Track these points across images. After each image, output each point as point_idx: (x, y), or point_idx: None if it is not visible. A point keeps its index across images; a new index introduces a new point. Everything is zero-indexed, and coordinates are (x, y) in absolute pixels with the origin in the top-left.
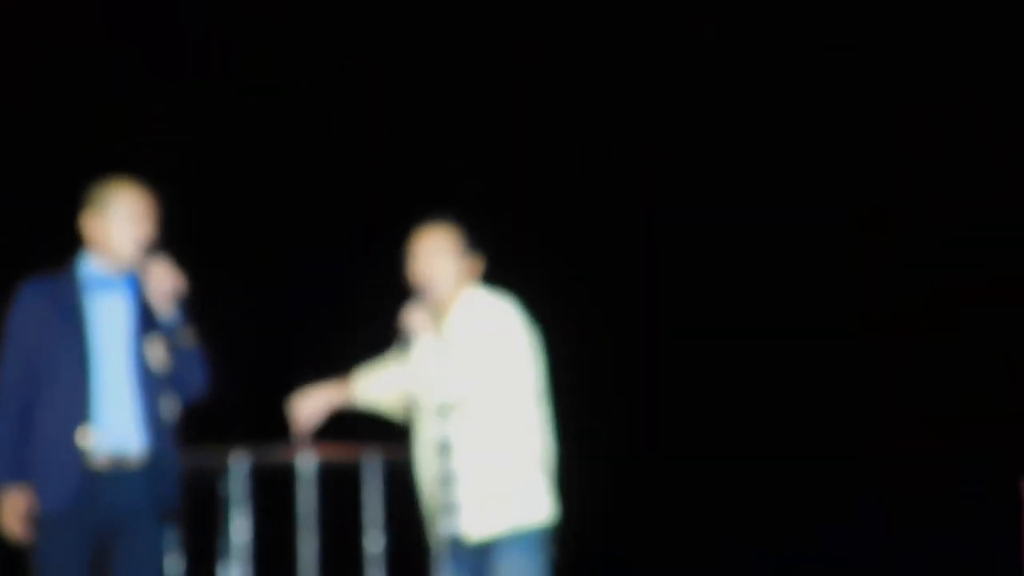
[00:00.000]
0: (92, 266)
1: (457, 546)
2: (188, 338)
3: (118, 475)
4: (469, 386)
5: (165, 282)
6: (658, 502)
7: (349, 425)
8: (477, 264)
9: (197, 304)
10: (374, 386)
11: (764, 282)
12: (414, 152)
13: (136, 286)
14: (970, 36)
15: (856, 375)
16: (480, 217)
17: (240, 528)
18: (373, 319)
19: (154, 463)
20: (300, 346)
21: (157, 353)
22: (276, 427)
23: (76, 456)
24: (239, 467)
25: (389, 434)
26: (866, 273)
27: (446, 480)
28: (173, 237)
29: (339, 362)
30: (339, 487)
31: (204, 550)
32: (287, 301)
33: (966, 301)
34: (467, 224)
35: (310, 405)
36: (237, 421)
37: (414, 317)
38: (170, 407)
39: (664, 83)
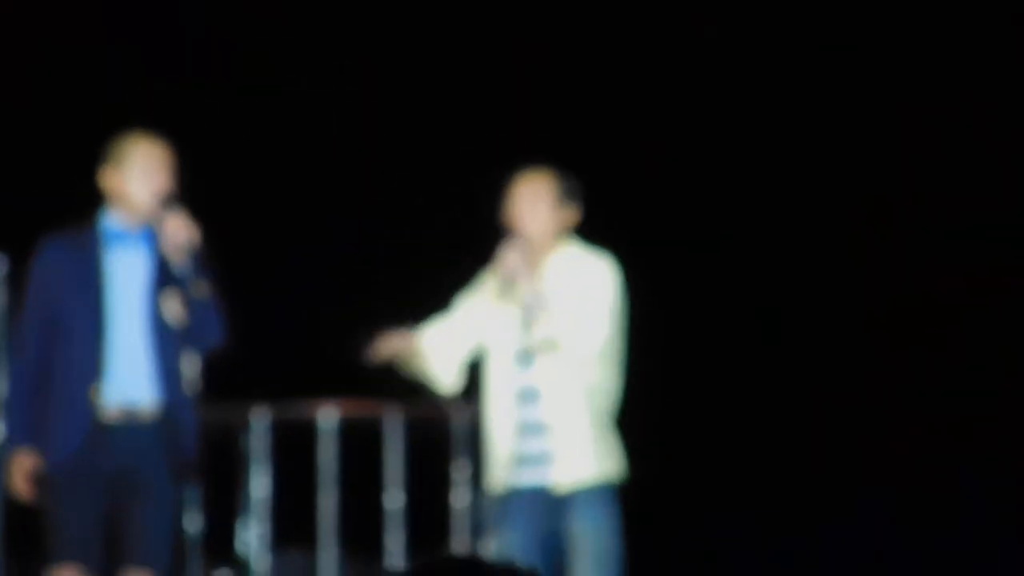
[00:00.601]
0: (112, 221)
1: (533, 498)
2: (201, 290)
3: (129, 428)
4: (564, 333)
5: (179, 234)
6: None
7: (370, 381)
8: (573, 215)
9: (219, 258)
10: (439, 338)
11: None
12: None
13: (154, 240)
14: (968, 34)
15: (857, 376)
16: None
17: (260, 484)
18: (395, 278)
19: (167, 417)
20: (324, 302)
21: (173, 306)
22: (297, 383)
23: (86, 409)
24: (260, 423)
25: (411, 391)
26: (867, 272)
27: (530, 429)
28: (196, 189)
29: (363, 318)
30: (360, 444)
31: (224, 506)
32: (313, 258)
33: (966, 300)
34: (566, 175)
35: (387, 344)
36: (258, 376)
37: (511, 256)
38: (187, 361)
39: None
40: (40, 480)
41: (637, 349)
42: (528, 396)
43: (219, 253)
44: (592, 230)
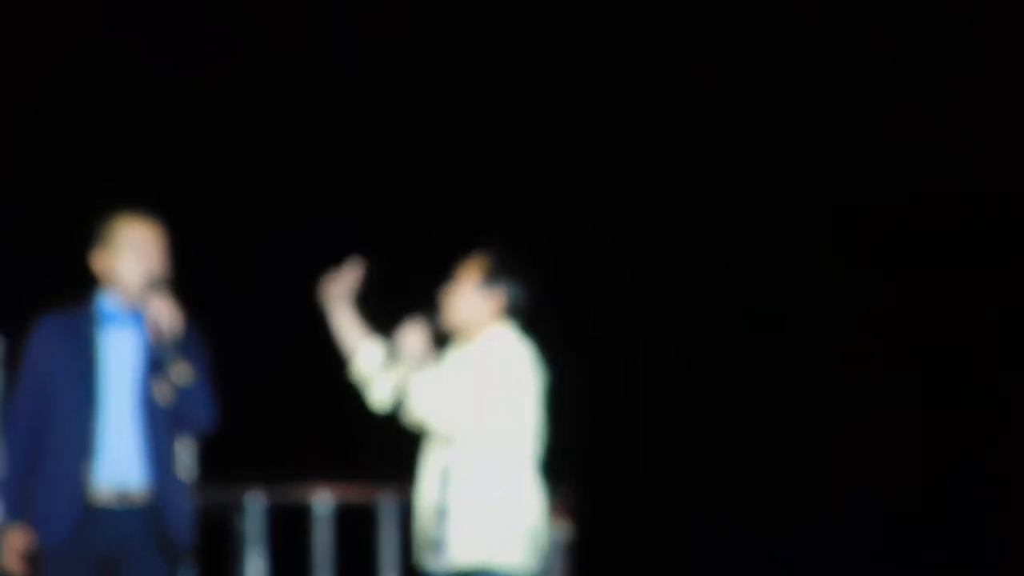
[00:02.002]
0: (107, 301)
1: None
2: (183, 374)
3: (119, 510)
4: (464, 417)
5: (161, 318)
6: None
7: (365, 465)
8: (500, 300)
9: (213, 341)
10: (377, 351)
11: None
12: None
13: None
14: (967, 35)
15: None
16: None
17: (255, 568)
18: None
19: (158, 499)
20: (319, 387)
21: (163, 388)
22: (292, 466)
23: (77, 489)
24: (255, 506)
25: (405, 475)
26: (865, 273)
27: (440, 512)
28: (188, 271)
29: (360, 403)
30: (355, 528)
31: None
32: (304, 340)
33: (966, 300)
34: (501, 260)
35: (338, 285)
36: (253, 460)
37: (411, 335)
38: (179, 444)
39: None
40: (32, 558)
41: (636, 348)
42: (444, 478)
43: (214, 336)
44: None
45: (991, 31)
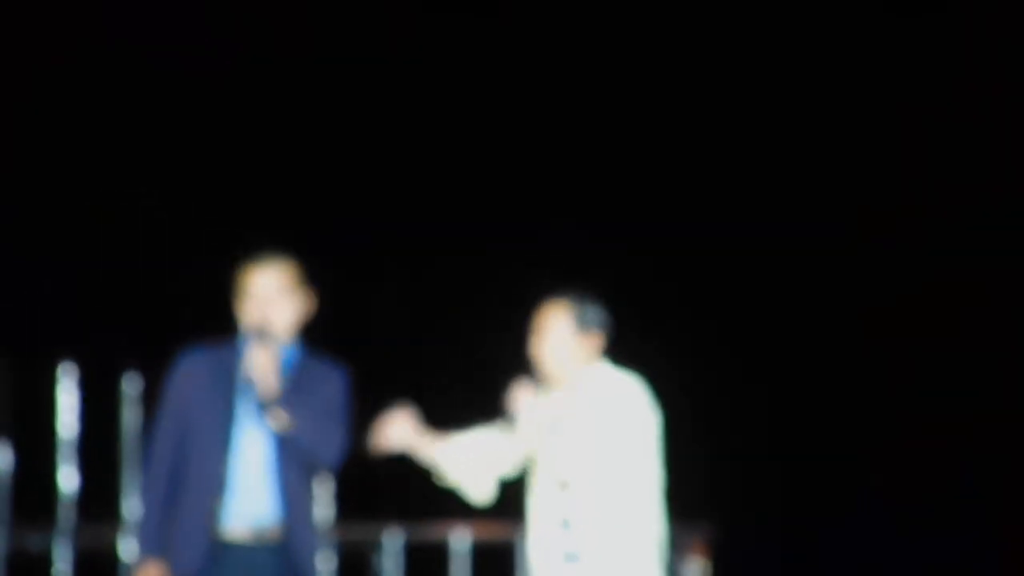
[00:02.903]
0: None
1: None
2: (277, 421)
3: (251, 546)
4: (586, 465)
5: (255, 367)
6: None
7: (503, 503)
8: (596, 341)
9: (357, 378)
10: (464, 450)
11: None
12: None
13: (288, 360)
14: (968, 39)
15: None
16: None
17: None
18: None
19: (288, 536)
20: (457, 423)
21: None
22: (431, 504)
23: (210, 525)
24: (392, 543)
25: None
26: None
27: (565, 559)
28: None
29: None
30: (492, 565)
31: None
32: (440, 380)
33: (967, 301)
34: (585, 301)
35: (391, 433)
36: (391, 497)
37: (519, 398)
38: (309, 479)
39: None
40: None
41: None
42: (565, 525)
43: (357, 375)
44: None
45: (988, 35)
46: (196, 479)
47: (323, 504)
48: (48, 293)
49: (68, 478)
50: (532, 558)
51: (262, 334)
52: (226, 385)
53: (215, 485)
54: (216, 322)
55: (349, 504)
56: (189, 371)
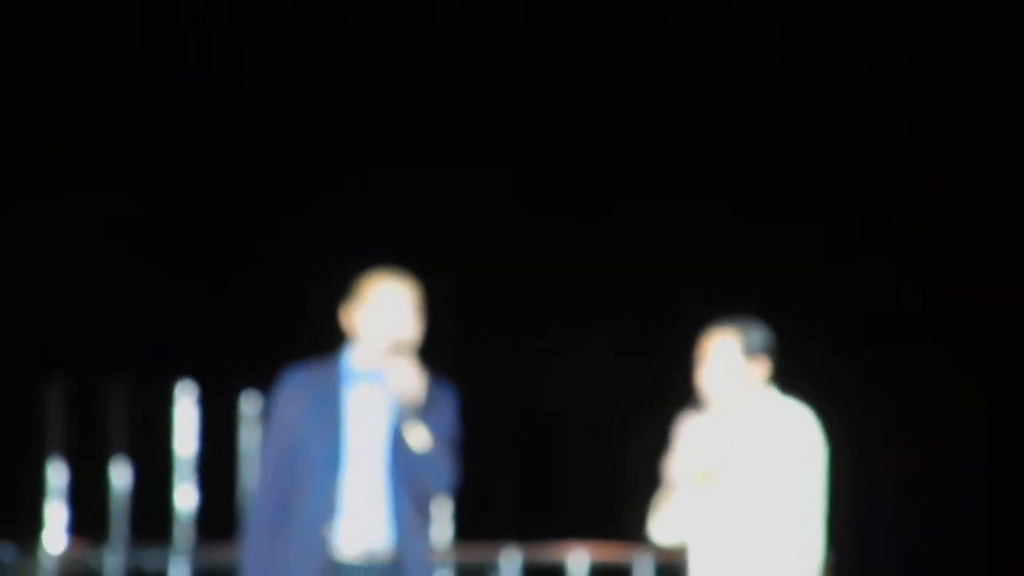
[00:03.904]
0: (354, 357)
1: None
2: (419, 439)
3: (363, 569)
4: (760, 493)
5: (402, 381)
6: None
7: (621, 523)
8: (763, 366)
9: (470, 401)
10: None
11: None
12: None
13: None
14: (968, 40)
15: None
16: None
17: None
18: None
19: (402, 560)
20: (575, 444)
21: (404, 451)
22: (547, 524)
23: (322, 550)
24: (510, 564)
25: None
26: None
27: None
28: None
29: (603, 459)
30: None
31: None
32: (555, 403)
33: (967, 301)
34: (750, 326)
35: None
36: (508, 517)
37: (676, 471)
38: (422, 503)
39: None
40: None
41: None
42: (733, 553)
43: (471, 395)
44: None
45: (987, 36)
46: (307, 503)
47: (441, 525)
48: (169, 312)
49: (186, 497)
50: None
51: (401, 345)
52: (333, 406)
53: (327, 510)
54: (332, 340)
55: (467, 525)
56: (293, 392)
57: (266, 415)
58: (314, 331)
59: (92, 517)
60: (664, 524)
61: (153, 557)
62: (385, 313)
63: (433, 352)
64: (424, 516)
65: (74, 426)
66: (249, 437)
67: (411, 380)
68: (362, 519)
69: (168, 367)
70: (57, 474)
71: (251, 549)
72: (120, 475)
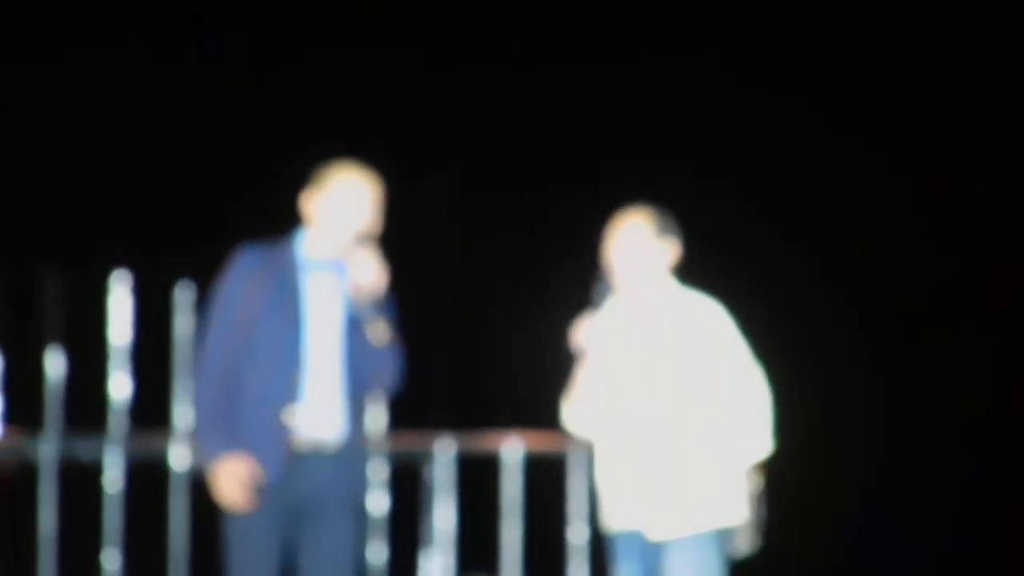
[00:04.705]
0: (308, 245)
1: (635, 540)
2: (379, 332)
3: (316, 457)
4: (665, 394)
5: (366, 273)
6: None
7: (554, 414)
8: (672, 252)
9: (404, 296)
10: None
11: None
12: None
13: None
14: (968, 41)
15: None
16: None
17: (444, 516)
18: (569, 300)
19: (350, 450)
20: (504, 337)
21: (360, 343)
22: (482, 414)
23: (281, 437)
24: (444, 454)
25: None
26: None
27: (637, 473)
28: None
29: (537, 350)
30: (544, 477)
31: (407, 537)
32: (490, 294)
33: (969, 303)
34: (663, 210)
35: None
36: (443, 408)
37: (582, 333)
38: (368, 396)
39: None
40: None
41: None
42: (642, 440)
43: (410, 286)
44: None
45: (987, 37)
46: (266, 389)
47: (376, 414)
48: (101, 202)
49: (120, 386)
50: (606, 469)
51: (363, 237)
52: (291, 292)
53: (286, 396)
54: (270, 227)
55: (401, 416)
56: (248, 271)
57: (201, 304)
58: (250, 222)
59: (26, 406)
60: (574, 414)
61: (87, 446)
62: (346, 203)
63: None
64: (363, 407)
65: (7, 315)
66: (184, 327)
67: (372, 272)
68: (318, 408)
69: (102, 257)
70: None
71: (207, 427)
72: (54, 364)
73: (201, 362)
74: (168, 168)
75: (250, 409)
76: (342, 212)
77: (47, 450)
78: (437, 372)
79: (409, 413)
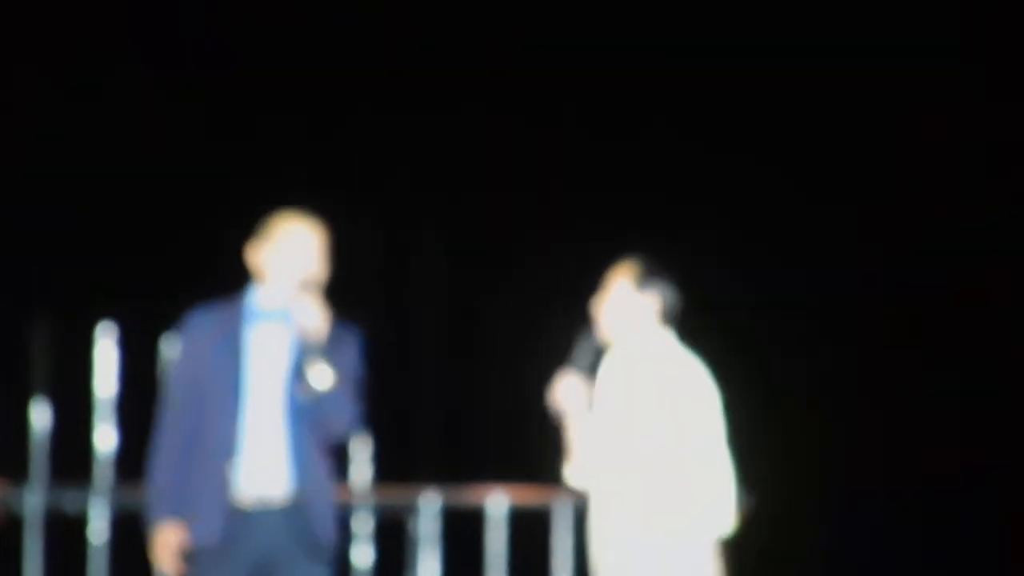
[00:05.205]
0: (258, 297)
1: None
2: (322, 377)
3: (265, 514)
4: (631, 451)
5: (308, 319)
6: None
7: (541, 468)
8: (654, 302)
9: (390, 350)
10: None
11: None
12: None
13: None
14: (968, 42)
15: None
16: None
17: (429, 569)
18: (557, 355)
19: (302, 501)
20: (494, 390)
21: (305, 389)
22: (467, 468)
23: (223, 491)
24: (429, 507)
25: None
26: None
27: (632, 509)
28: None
29: (523, 404)
30: (529, 530)
31: None
32: (478, 348)
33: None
34: (648, 261)
35: (568, 396)
36: (428, 461)
37: (560, 392)
38: (323, 444)
39: None
40: (186, 557)
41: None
42: (621, 504)
43: (383, 339)
44: None
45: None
46: (210, 444)
47: (360, 466)
48: (89, 252)
49: (106, 437)
50: (597, 521)
51: (307, 284)
52: (234, 344)
53: (227, 446)
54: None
55: (386, 467)
56: (198, 330)
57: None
58: (236, 274)
59: (12, 457)
60: (575, 469)
61: (73, 497)
62: (290, 252)
63: (356, 292)
64: (327, 458)
65: None
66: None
67: (315, 318)
68: (261, 459)
69: (89, 308)
70: None
71: (157, 490)
72: (40, 415)
73: (158, 429)
74: (156, 218)
75: (196, 469)
76: (287, 261)
77: (33, 501)
78: (422, 425)
79: (394, 466)
